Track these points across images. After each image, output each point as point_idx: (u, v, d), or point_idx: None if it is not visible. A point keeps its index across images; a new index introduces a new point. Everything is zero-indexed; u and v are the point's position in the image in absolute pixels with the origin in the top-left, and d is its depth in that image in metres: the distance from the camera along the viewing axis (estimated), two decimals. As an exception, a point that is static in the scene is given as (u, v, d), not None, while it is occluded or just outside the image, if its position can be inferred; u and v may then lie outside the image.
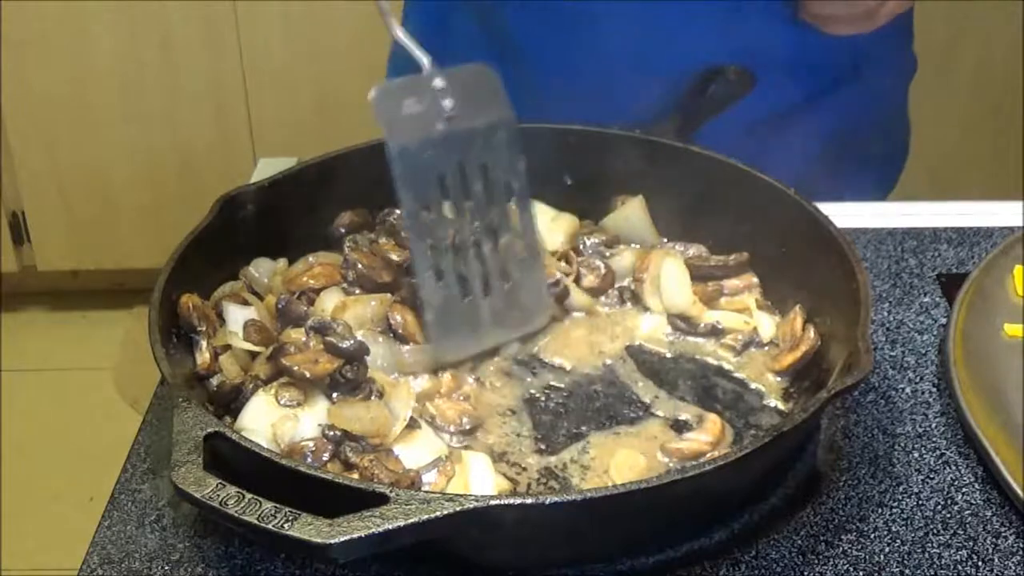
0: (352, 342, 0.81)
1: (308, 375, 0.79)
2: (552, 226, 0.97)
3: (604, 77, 1.13)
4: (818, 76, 1.15)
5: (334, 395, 0.80)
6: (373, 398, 0.80)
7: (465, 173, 0.86)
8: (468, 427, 0.82)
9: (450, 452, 0.79)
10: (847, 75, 1.16)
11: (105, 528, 0.78)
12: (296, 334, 0.85)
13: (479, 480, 0.76)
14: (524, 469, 0.80)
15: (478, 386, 0.86)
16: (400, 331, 0.86)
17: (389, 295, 0.88)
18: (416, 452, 0.78)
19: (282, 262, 0.92)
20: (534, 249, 0.89)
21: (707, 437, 0.80)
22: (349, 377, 0.80)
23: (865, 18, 0.97)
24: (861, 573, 0.74)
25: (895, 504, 0.79)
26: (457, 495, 0.67)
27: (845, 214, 0.96)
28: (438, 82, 0.84)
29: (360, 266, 0.89)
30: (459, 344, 0.86)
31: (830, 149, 1.18)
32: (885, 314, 0.96)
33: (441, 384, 0.85)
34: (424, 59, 0.85)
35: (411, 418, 0.79)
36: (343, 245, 0.95)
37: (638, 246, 0.97)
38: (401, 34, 0.85)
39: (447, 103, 0.84)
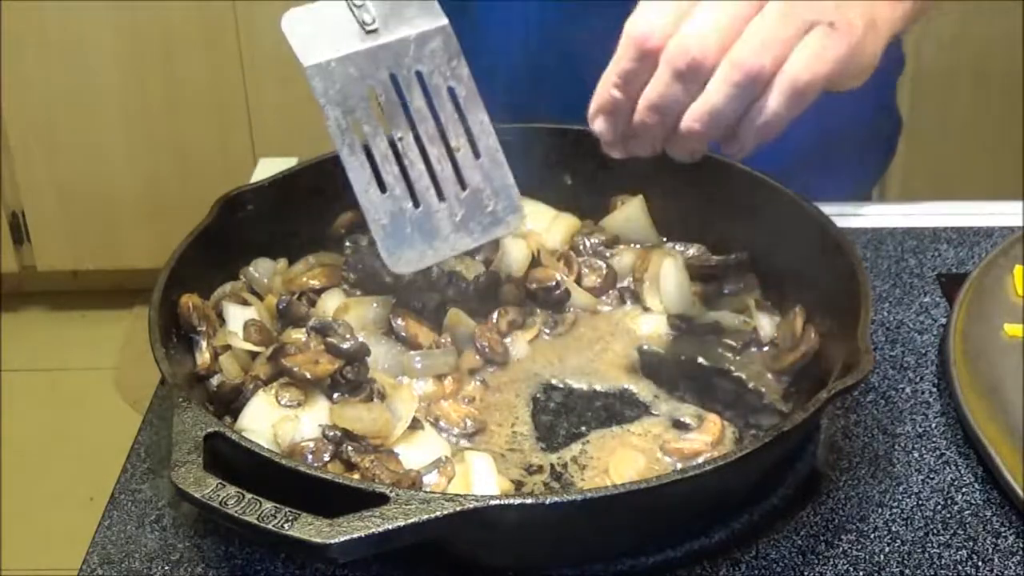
0: (353, 343, 0.81)
1: (309, 376, 0.79)
2: (552, 226, 0.97)
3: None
4: None
5: (335, 396, 0.80)
6: (375, 399, 0.80)
7: (399, 84, 0.84)
8: (472, 430, 0.82)
9: (452, 452, 0.79)
10: None
11: (105, 528, 0.78)
12: (297, 334, 0.85)
13: (481, 480, 0.76)
14: (524, 469, 0.80)
15: (482, 387, 0.86)
16: (403, 334, 0.86)
17: (391, 297, 0.88)
18: (418, 453, 0.78)
19: (282, 262, 0.92)
20: (492, 151, 0.87)
21: (707, 437, 0.80)
22: (350, 378, 0.80)
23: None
24: (861, 573, 0.74)
25: (895, 504, 0.79)
26: (457, 495, 0.67)
27: (845, 214, 0.96)
28: None
29: (361, 268, 0.90)
30: (418, 254, 0.84)
31: (808, 142, 1.18)
32: (885, 314, 0.96)
33: (444, 387, 0.85)
34: None
35: (413, 419, 0.79)
36: (343, 245, 0.95)
37: (638, 246, 0.97)
38: None
39: (366, 17, 0.83)
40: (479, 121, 0.86)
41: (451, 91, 0.86)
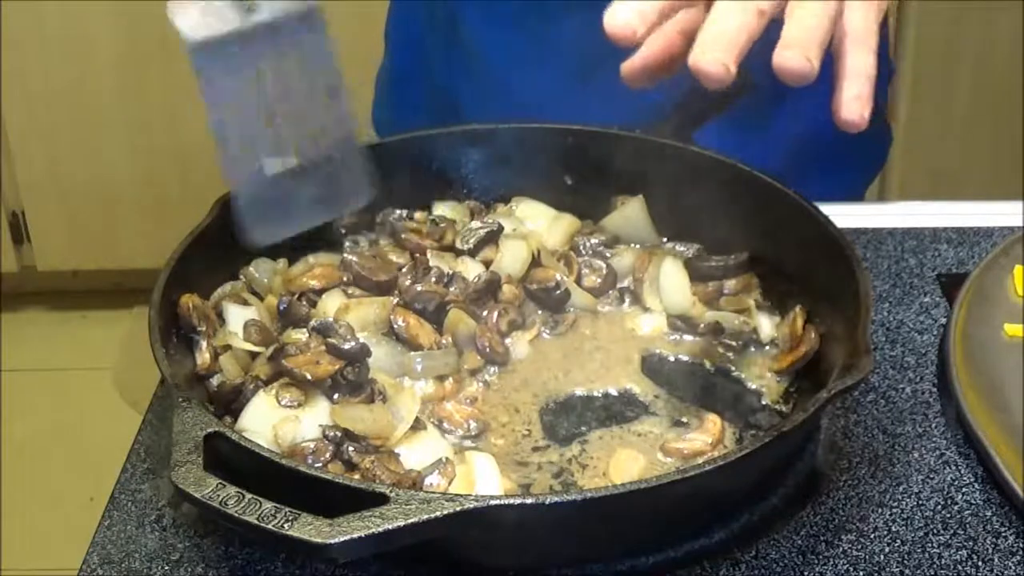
0: (354, 344, 0.81)
1: (309, 377, 0.79)
2: (552, 226, 0.97)
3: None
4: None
5: (335, 396, 0.80)
6: (376, 400, 0.80)
7: (274, 69, 0.87)
8: (475, 432, 0.82)
9: (453, 453, 0.79)
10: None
11: (105, 528, 0.78)
12: (297, 335, 0.85)
13: (484, 481, 0.76)
14: (526, 469, 0.80)
15: (484, 388, 0.86)
16: (403, 335, 0.86)
17: (391, 297, 0.88)
18: (419, 453, 0.78)
19: (282, 262, 0.92)
20: (348, 134, 0.90)
21: (707, 437, 0.80)
22: (351, 379, 0.80)
23: None
24: (861, 573, 0.74)
25: (895, 504, 0.79)
26: (457, 495, 0.67)
27: (845, 214, 0.96)
28: None
29: (359, 268, 0.90)
30: (273, 227, 0.89)
31: (795, 150, 1.17)
32: (885, 314, 0.96)
33: (445, 387, 0.84)
34: None
35: (416, 419, 0.79)
36: (343, 245, 0.95)
37: (638, 246, 0.97)
38: None
39: None
40: (339, 105, 0.89)
41: (312, 71, 0.88)
